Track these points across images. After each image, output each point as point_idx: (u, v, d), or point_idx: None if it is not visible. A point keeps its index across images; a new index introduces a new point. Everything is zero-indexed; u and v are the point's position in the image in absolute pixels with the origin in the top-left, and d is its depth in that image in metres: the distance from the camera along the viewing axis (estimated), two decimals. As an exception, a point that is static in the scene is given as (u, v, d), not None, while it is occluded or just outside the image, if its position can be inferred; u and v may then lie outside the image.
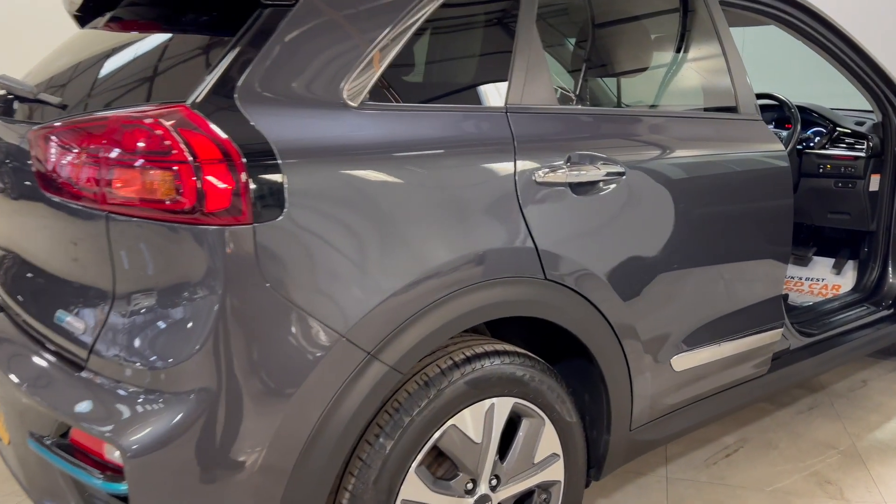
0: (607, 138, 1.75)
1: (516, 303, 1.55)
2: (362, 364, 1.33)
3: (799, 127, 2.90)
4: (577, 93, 1.88)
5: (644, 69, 2.02)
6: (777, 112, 3.19)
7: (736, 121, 2.12)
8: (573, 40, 2.02)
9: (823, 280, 3.36)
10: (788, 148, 2.90)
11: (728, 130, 2.08)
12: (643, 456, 2.09)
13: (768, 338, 2.23)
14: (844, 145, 3.00)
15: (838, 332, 2.68)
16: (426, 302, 1.38)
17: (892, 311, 2.93)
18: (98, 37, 1.72)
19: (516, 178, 1.53)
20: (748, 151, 2.08)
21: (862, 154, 2.92)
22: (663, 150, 1.84)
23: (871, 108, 2.89)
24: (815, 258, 3.48)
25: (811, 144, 3.08)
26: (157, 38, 1.59)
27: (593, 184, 1.67)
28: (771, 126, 3.28)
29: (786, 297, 3.09)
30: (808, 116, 3.14)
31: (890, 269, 2.96)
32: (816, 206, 3.15)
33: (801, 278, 3.43)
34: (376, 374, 1.34)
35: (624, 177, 1.71)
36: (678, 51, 2.13)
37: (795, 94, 3.25)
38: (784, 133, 3.00)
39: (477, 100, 1.63)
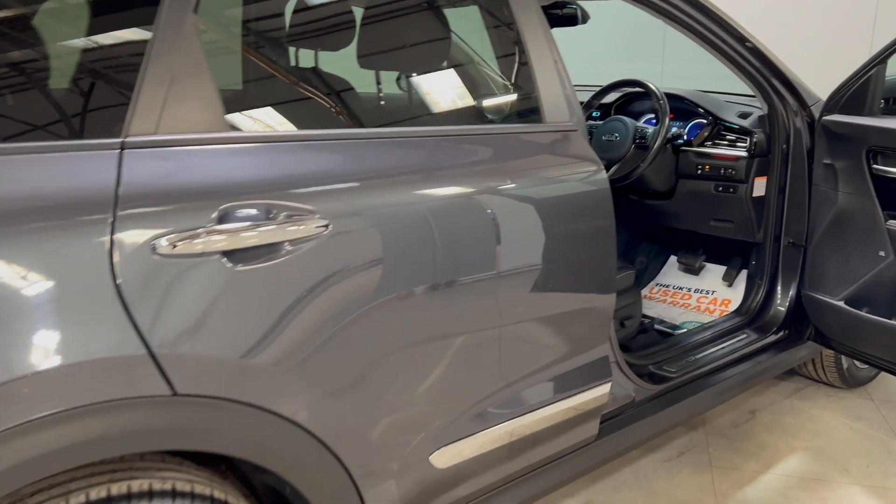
0: (307, 176, 1.26)
1: (119, 438, 1.07)
2: None
3: (667, 120, 2.41)
4: (276, 112, 1.37)
5: (400, 73, 1.52)
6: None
7: (537, 134, 1.63)
8: (277, 37, 1.51)
9: (714, 293, 2.92)
10: (656, 145, 2.43)
11: (519, 148, 1.59)
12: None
13: (589, 401, 1.78)
14: (727, 142, 2.53)
15: (706, 370, 2.25)
16: None
17: (779, 335, 2.50)
18: None
19: (114, 253, 1.03)
20: (547, 172, 1.59)
21: (744, 153, 2.45)
22: (400, 186, 1.35)
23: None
24: (708, 265, 3.03)
25: (690, 139, 2.60)
26: None
27: (271, 246, 1.18)
28: (647, 119, 2.82)
29: (651, 324, 2.66)
30: (688, 106, 2.66)
31: (779, 288, 2.52)
32: (697, 212, 2.69)
33: (689, 290, 2.98)
34: None
35: (328, 230, 1.23)
36: (452, 49, 1.63)
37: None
38: (652, 128, 2.52)
39: (68, 132, 1.12)
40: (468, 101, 1.66)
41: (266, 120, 1.34)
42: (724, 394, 2.33)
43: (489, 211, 1.45)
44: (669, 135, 2.56)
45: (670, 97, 2.60)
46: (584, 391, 1.74)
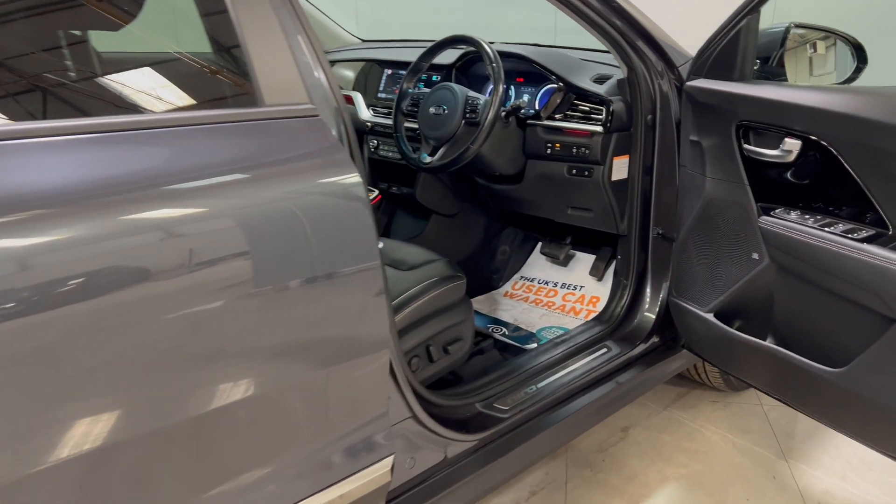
0: None
1: None
2: None
3: (502, 87, 1.91)
4: None
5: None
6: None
7: (241, 124, 1.11)
8: None
9: (582, 289, 2.49)
10: (487, 120, 1.93)
11: (200, 145, 1.06)
12: None
13: (360, 487, 1.31)
14: (580, 114, 2.05)
15: (550, 402, 1.81)
16: None
17: (648, 345, 2.08)
18: None
19: None
20: (257, 176, 1.07)
21: (599, 128, 1.98)
22: None
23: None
24: (579, 254, 2.60)
25: (538, 110, 2.11)
26: None
27: None
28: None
29: (491, 343, 2.21)
30: (536, 69, 2.16)
31: (647, 288, 2.09)
32: (552, 199, 2.22)
33: (555, 285, 2.55)
34: None
35: None
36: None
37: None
38: (484, 99, 2.01)
39: None
40: (154, 87, 1.12)
41: None
42: (577, 426, 1.90)
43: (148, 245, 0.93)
44: (508, 106, 2.06)
45: (512, 57, 2.11)
46: (346, 479, 1.27)
